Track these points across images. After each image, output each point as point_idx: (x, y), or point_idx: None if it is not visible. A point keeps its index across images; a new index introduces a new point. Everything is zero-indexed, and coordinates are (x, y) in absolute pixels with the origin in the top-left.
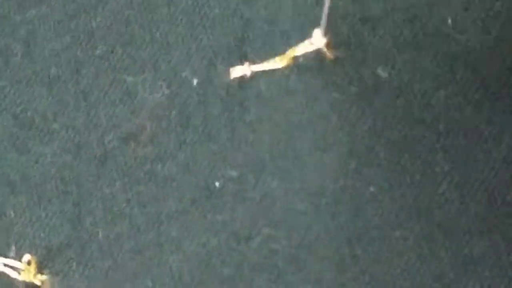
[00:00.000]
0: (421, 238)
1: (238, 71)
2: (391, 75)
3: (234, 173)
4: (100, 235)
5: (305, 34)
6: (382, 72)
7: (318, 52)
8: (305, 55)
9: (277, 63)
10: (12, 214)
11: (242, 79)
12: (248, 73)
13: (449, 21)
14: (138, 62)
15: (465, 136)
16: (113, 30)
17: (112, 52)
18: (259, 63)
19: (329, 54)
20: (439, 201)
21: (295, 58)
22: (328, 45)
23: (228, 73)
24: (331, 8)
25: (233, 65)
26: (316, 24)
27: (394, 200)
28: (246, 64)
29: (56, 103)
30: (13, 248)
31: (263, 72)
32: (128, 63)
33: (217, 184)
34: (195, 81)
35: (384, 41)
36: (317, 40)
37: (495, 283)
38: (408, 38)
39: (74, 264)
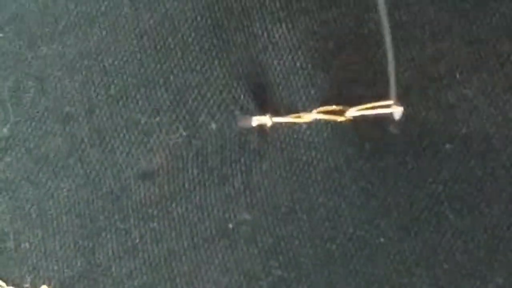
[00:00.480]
0: (428, 285)
1: (259, 120)
2: (402, 132)
3: (247, 217)
4: (113, 269)
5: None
6: (393, 130)
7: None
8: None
9: (302, 118)
10: (27, 246)
11: (261, 127)
12: (269, 124)
13: (457, 75)
14: (152, 103)
15: (469, 187)
16: (126, 71)
17: (125, 92)
18: (279, 111)
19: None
20: (445, 249)
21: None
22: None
23: (248, 120)
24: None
25: (252, 111)
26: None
27: (403, 250)
28: (268, 115)
29: (70, 139)
30: (28, 280)
31: (283, 123)
32: (142, 104)
33: (230, 225)
34: (213, 126)
35: (395, 97)
36: (396, 111)
37: None
38: (415, 94)
39: None
